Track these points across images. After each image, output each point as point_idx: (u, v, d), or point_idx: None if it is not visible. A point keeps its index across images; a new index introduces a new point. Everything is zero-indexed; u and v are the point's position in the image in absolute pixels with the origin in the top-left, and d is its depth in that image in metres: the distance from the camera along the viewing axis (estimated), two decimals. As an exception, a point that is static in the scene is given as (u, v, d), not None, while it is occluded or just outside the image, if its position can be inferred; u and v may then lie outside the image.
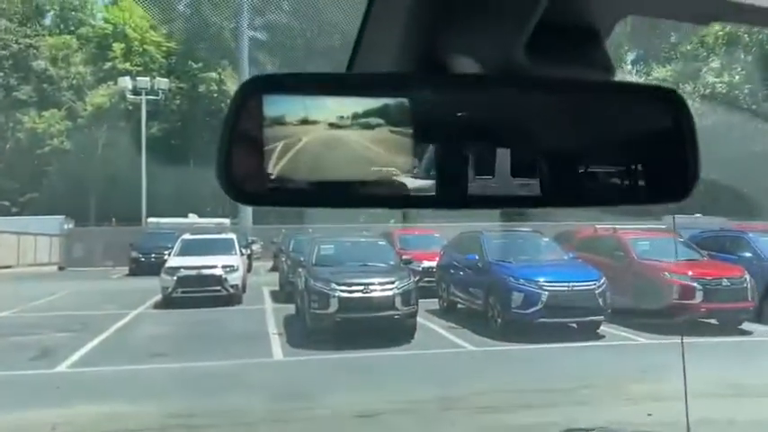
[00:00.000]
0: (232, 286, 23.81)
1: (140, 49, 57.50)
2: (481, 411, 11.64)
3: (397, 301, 17.31)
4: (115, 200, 50.68)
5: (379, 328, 17.02)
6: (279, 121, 1.46)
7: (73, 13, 63.11)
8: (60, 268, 42.18)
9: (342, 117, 1.47)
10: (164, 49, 57.69)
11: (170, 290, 23.40)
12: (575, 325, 17.80)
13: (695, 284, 17.87)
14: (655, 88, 1.70)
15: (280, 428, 11.37)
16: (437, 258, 22.88)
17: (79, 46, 59.53)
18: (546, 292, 17.33)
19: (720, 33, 38.45)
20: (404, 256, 21.48)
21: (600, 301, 17.48)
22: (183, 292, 23.21)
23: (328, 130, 1.46)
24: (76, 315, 21.28)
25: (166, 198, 46.37)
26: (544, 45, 1.50)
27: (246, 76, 38.44)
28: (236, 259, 25.06)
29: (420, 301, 18.25)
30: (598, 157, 1.65)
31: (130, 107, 53.22)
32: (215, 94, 54.83)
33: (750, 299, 18.08)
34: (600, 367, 14.53)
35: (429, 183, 1.54)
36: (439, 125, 1.56)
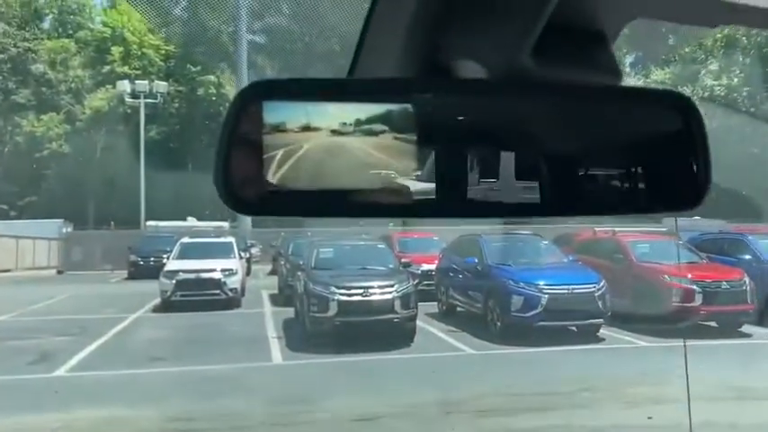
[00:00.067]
0: (231, 290, 23.79)
1: (139, 53, 57.50)
2: (481, 415, 11.64)
3: (397, 304, 17.29)
4: (114, 203, 50.65)
5: (378, 331, 16.99)
6: (279, 128, 1.42)
7: (71, 16, 63.09)
8: (59, 272, 42.12)
9: (344, 123, 1.44)
10: (162, 52, 57.68)
11: (169, 293, 23.36)
12: (574, 328, 17.78)
13: (695, 287, 17.86)
14: (664, 93, 1.66)
15: (279, 432, 11.38)
16: (436, 261, 22.86)
17: (78, 49, 59.50)
18: (546, 295, 17.32)
19: (719, 36, 38.46)
20: (403, 260, 21.45)
21: (600, 303, 17.46)
22: (181, 296, 23.17)
23: (330, 137, 1.43)
24: (75, 319, 21.25)
25: (165, 201, 46.37)
26: (550, 48, 1.47)
27: (245, 79, 38.42)
28: (235, 263, 25.03)
29: (419, 304, 18.23)
30: (606, 163, 1.61)
31: (129, 110, 53.22)
32: (214, 98, 54.84)
33: (749, 301, 18.07)
34: (600, 370, 14.51)
35: (434, 191, 1.51)
36: (443, 131, 1.53)
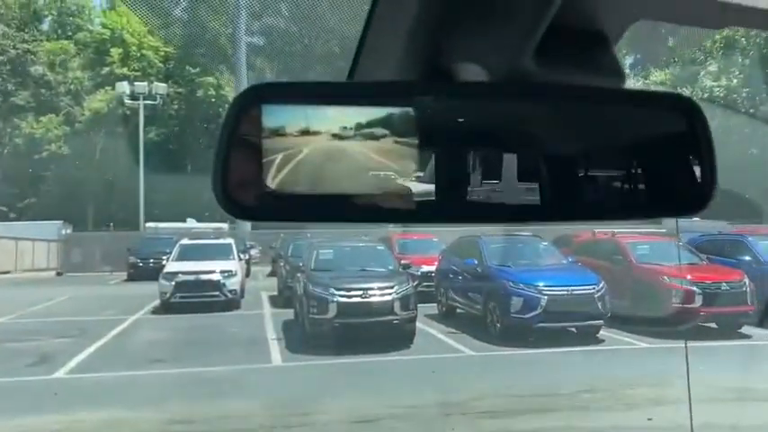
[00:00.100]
0: (230, 291, 23.79)
1: (138, 54, 57.45)
2: (481, 416, 11.63)
3: (396, 305, 17.29)
4: (113, 205, 50.67)
5: (378, 333, 16.98)
6: (278, 132, 1.41)
7: (71, 18, 63.07)
8: (58, 274, 42.10)
9: (344, 127, 1.42)
10: (162, 53, 57.64)
11: (168, 295, 23.35)
12: (574, 329, 17.77)
13: (694, 288, 17.84)
14: (669, 96, 1.65)
15: (279, 434, 11.37)
16: (436, 263, 22.85)
17: (77, 51, 59.49)
18: (545, 297, 17.31)
19: (718, 37, 38.44)
20: (403, 261, 21.45)
21: (599, 305, 17.46)
22: (181, 298, 23.17)
23: (330, 141, 1.41)
24: (74, 321, 21.24)
25: (164, 203, 46.38)
26: (552, 51, 1.46)
27: (244, 81, 38.35)
28: (234, 264, 25.02)
29: (419, 305, 18.22)
30: (609, 167, 1.60)
31: (128, 112, 53.21)
32: (213, 99, 54.82)
33: (749, 303, 18.04)
34: (600, 372, 14.51)
35: (437, 196, 1.49)
36: (445, 135, 1.52)
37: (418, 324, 18.01)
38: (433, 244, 25.91)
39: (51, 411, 12.07)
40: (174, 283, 23.37)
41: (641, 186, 1.60)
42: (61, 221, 45.59)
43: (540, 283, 17.62)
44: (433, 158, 1.49)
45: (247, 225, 42.64)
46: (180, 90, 57.00)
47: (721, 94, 37.39)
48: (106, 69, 57.03)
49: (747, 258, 20.25)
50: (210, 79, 55.94)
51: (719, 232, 23.54)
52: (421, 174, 1.47)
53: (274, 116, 1.41)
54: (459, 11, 1.53)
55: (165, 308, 23.13)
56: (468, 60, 1.56)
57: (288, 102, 1.45)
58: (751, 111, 36.56)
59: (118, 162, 50.96)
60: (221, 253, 25.47)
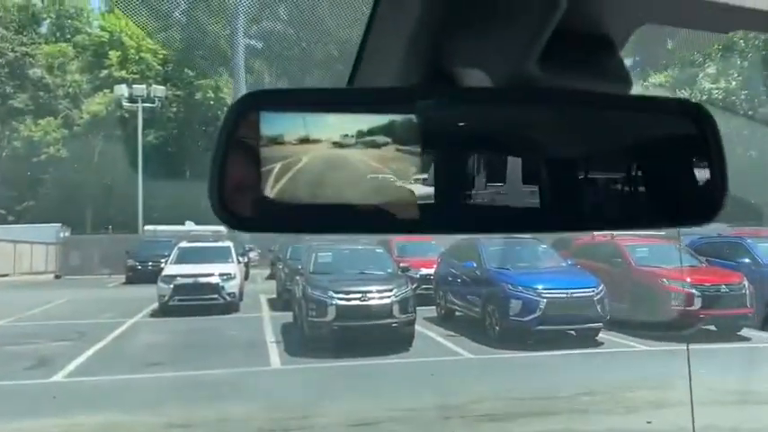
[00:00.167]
0: (229, 294, 23.76)
1: (137, 57, 57.41)
2: (480, 419, 11.61)
3: (395, 308, 17.28)
4: (112, 208, 50.63)
5: (376, 336, 16.98)
6: (277, 140, 1.38)
7: (69, 21, 63.01)
8: (57, 276, 42.06)
9: (345, 135, 1.39)
10: (160, 56, 57.60)
11: (167, 298, 23.33)
12: (573, 332, 17.75)
13: (694, 291, 17.83)
14: (677, 101, 1.61)
15: (278, 438, 11.35)
16: (435, 266, 22.82)
17: (75, 54, 59.45)
18: (544, 300, 17.30)
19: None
20: (401, 264, 21.44)
21: (598, 308, 17.45)
22: (179, 301, 23.15)
23: (330, 149, 1.38)
24: (73, 324, 21.20)
25: (163, 206, 46.33)
26: (557, 55, 1.43)
27: (243, 85, 38.25)
28: (233, 267, 25.02)
29: (418, 308, 18.20)
30: (615, 176, 1.56)
31: (127, 115, 53.14)
32: (212, 102, 54.78)
33: (749, 305, 18.03)
34: (599, 374, 14.49)
35: (440, 205, 1.46)
36: (448, 143, 1.48)
37: (417, 327, 18.00)
38: (431, 247, 25.86)
39: (50, 415, 12.05)
40: (172, 286, 23.35)
41: (650, 195, 1.56)
42: (59, 224, 45.54)
43: (539, 286, 17.61)
44: (437, 166, 1.46)
45: (246, 228, 42.49)
46: (178, 93, 56.96)
47: (720, 97, 37.37)
48: (105, 72, 56.99)
49: (746, 261, 20.23)
50: (209, 82, 55.90)
51: (719, 234, 23.51)
52: (424, 182, 1.43)
53: (273, 124, 1.38)
54: (462, 14, 1.50)
55: (164, 311, 23.10)
56: (471, 65, 1.53)
57: (286, 109, 1.42)
58: (750, 113, 36.54)
59: (116, 165, 50.89)
60: (220, 256, 25.46)
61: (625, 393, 12.68)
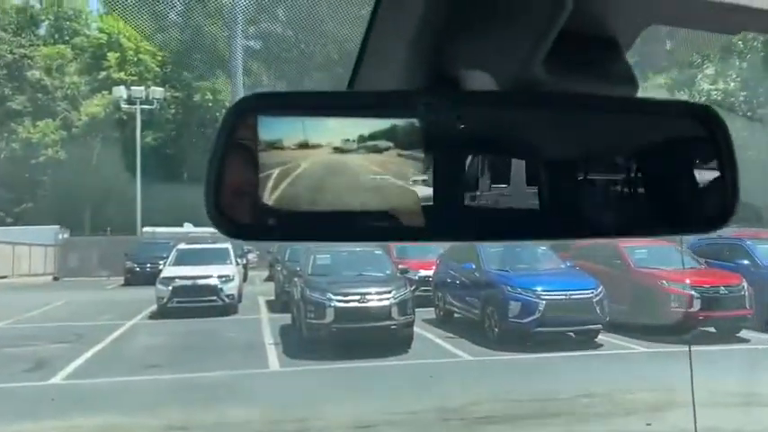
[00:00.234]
0: (228, 296, 23.75)
1: (135, 59, 57.34)
2: (479, 422, 11.59)
3: (394, 310, 17.27)
4: (110, 209, 50.56)
5: (375, 338, 16.96)
6: (275, 145, 1.34)
7: (67, 22, 62.93)
8: (55, 278, 42.03)
9: (345, 140, 1.35)
10: (158, 58, 57.58)
11: (165, 300, 23.31)
12: (572, 334, 17.74)
13: (693, 293, 17.83)
14: (685, 104, 1.57)
15: (276, 440, 11.34)
16: (434, 267, 22.79)
17: (74, 56, 59.38)
18: (543, 301, 17.29)
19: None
20: (400, 266, 21.40)
21: (598, 309, 17.44)
22: (178, 303, 23.12)
23: (330, 154, 1.34)
24: (71, 326, 21.16)
25: (162, 207, 46.26)
26: (563, 58, 1.39)
27: (240, 87, 38.23)
28: (231, 269, 24.99)
29: (416, 310, 18.19)
30: (623, 182, 1.52)
31: (125, 117, 53.07)
32: (210, 104, 54.76)
33: (748, 306, 18.04)
34: (598, 376, 14.47)
35: (443, 212, 1.42)
36: (452, 147, 1.44)
37: (416, 329, 18.00)
38: (430, 248, 25.82)
39: (48, 417, 12.04)
40: (171, 287, 23.33)
41: (659, 201, 1.52)
42: (58, 226, 45.52)
43: (539, 288, 17.60)
44: (440, 172, 1.42)
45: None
46: (177, 95, 56.92)
47: (719, 98, 37.39)
48: (103, 74, 56.92)
49: (746, 262, 20.22)
50: (207, 83, 55.87)
51: (718, 236, 23.50)
52: (427, 188, 1.40)
53: (271, 128, 1.35)
54: (465, 15, 1.46)
55: (162, 313, 23.08)
56: (474, 67, 1.50)
57: (285, 113, 1.38)
58: (749, 114, 36.56)
59: (115, 167, 50.84)
60: (218, 257, 25.41)
61: (624, 395, 12.68)
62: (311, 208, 1.37)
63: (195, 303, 22.89)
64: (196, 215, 42.90)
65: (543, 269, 19.49)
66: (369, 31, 1.60)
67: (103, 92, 55.61)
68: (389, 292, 17.59)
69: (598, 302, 17.48)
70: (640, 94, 1.56)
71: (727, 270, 19.54)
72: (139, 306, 24.33)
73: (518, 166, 1.49)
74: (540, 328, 17.15)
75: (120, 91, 52.56)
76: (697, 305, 17.66)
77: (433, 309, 21.38)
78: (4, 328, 21.70)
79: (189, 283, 23.33)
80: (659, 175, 1.52)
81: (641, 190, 1.53)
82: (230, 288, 23.94)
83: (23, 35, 58.88)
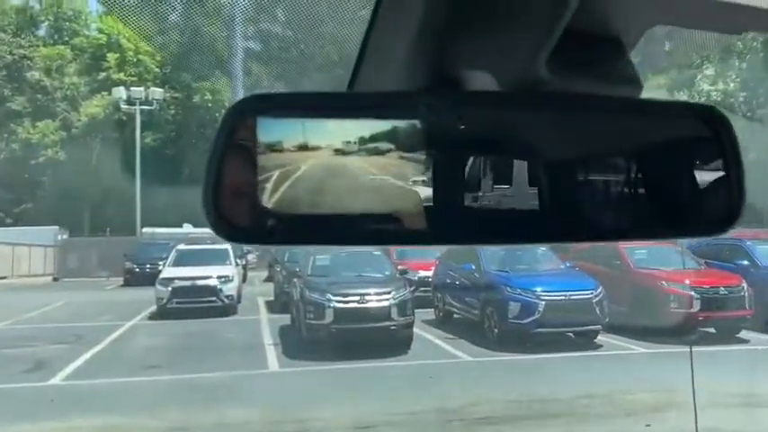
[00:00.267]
0: (227, 297, 23.74)
1: (135, 60, 57.34)
2: (479, 422, 11.58)
3: (394, 311, 17.26)
4: (110, 210, 50.55)
5: (375, 338, 16.94)
6: (275, 147, 1.32)
7: (67, 23, 62.92)
8: (55, 279, 42.03)
9: (346, 142, 1.34)
10: (158, 59, 57.56)
11: (165, 301, 23.31)
12: (572, 335, 17.74)
13: (692, 293, 17.82)
14: (690, 105, 1.55)
15: (276, 441, 11.33)
16: (433, 268, 22.77)
17: (73, 56, 59.37)
18: (543, 302, 17.28)
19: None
20: (400, 266, 21.39)
21: (597, 310, 17.44)
22: (177, 303, 23.11)
23: (331, 156, 1.33)
24: (71, 327, 21.16)
25: (161, 208, 46.24)
26: (567, 58, 1.38)
27: (240, 88, 38.19)
28: (231, 269, 24.98)
29: (416, 311, 18.18)
30: (626, 184, 1.50)
31: (125, 117, 53.07)
32: (210, 104, 54.73)
33: (748, 307, 18.03)
34: (598, 377, 14.45)
35: (445, 215, 1.41)
36: (454, 149, 1.43)
37: (415, 329, 17.99)
38: (430, 249, 25.86)
39: (47, 418, 12.03)
40: (170, 288, 23.32)
41: (664, 203, 1.50)
42: (57, 227, 45.52)
43: (538, 288, 17.59)
44: (442, 173, 1.40)
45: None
46: (177, 95, 56.92)
47: (719, 98, 37.38)
48: (102, 75, 56.91)
49: (745, 263, 20.21)
50: (207, 84, 55.84)
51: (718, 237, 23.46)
52: (428, 189, 1.39)
53: (271, 129, 1.33)
54: (466, 14, 1.44)
55: (162, 314, 23.07)
56: (477, 68, 1.48)
57: (285, 114, 1.37)
58: (749, 114, 36.56)
59: (114, 167, 50.83)
60: (218, 258, 25.38)
61: (624, 396, 12.67)
62: (311, 211, 1.35)
63: (195, 304, 22.88)
64: (195, 216, 42.87)
65: (543, 270, 19.48)
66: (369, 32, 1.59)
67: (103, 93, 55.62)
68: (389, 292, 17.59)
69: (598, 303, 17.48)
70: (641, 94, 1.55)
71: (727, 270, 19.53)
72: (139, 307, 24.33)
73: (520, 168, 1.48)
74: (539, 329, 17.14)
75: (120, 92, 52.54)
76: (697, 306, 17.66)
77: (432, 309, 21.36)
78: (3, 329, 21.70)
79: (188, 283, 23.33)
80: (665, 178, 1.50)
81: (647, 192, 1.51)
82: (230, 289, 23.94)
83: (23, 36, 58.91)
